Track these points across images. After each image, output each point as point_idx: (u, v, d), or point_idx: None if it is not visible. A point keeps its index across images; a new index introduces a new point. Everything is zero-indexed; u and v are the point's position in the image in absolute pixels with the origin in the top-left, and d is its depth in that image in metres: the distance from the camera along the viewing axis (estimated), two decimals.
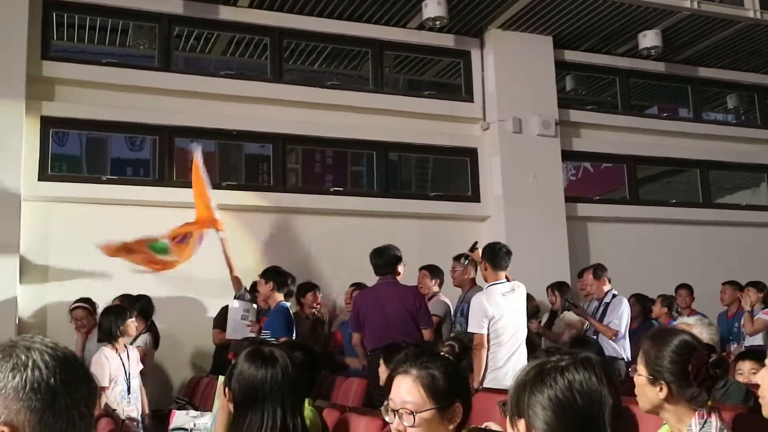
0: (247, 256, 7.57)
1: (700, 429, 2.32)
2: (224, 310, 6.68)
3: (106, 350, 5.11)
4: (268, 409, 2.49)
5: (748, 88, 10.63)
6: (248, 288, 6.79)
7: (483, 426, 2.90)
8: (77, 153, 8.08)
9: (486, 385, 5.01)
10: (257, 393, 2.51)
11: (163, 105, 7.78)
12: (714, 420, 2.32)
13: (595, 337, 6.41)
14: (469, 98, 9.03)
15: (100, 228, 6.86)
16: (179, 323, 7.14)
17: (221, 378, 2.83)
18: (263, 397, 2.50)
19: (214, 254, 6.87)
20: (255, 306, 6.49)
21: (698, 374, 2.33)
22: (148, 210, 7.32)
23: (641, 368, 2.44)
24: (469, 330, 5.41)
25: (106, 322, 5.22)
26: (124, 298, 6.35)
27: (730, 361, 4.96)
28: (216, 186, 7.84)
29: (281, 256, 7.55)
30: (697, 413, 2.35)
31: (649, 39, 8.83)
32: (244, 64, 8.87)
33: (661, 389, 2.37)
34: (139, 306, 6.27)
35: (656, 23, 8.79)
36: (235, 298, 6.66)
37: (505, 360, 5.19)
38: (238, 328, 6.32)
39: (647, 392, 2.41)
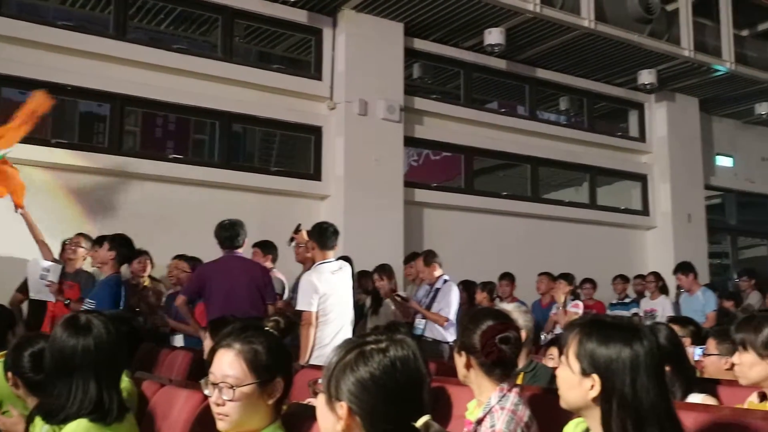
0: (71, 219, 7.20)
1: (498, 401, 2.53)
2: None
3: None
4: (78, 381, 2.40)
5: (579, 93, 11.32)
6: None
7: (305, 402, 2.96)
8: None
9: (312, 362, 5.07)
10: (67, 363, 2.41)
11: None
12: (512, 395, 2.54)
13: (424, 320, 6.65)
14: (318, 76, 9.03)
15: None
16: None
17: None
18: (73, 367, 2.40)
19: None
20: (59, 266, 6.18)
21: (485, 347, 2.55)
22: None
23: (459, 342, 2.70)
24: (298, 307, 5.44)
25: None
26: None
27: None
28: (45, 143, 7.41)
29: (110, 222, 7.25)
30: (498, 388, 2.56)
31: (493, 36, 9.18)
32: (85, 17, 8.40)
33: (463, 359, 2.61)
34: None
35: (501, 22, 9.16)
36: None
37: (332, 337, 5.26)
38: (37, 288, 6.02)
39: (457, 362, 2.66)
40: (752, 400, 2.76)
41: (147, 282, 6.90)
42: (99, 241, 5.88)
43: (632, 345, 1.72)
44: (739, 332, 2.74)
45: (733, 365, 2.76)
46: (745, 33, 12.14)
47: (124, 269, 6.78)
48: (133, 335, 3.48)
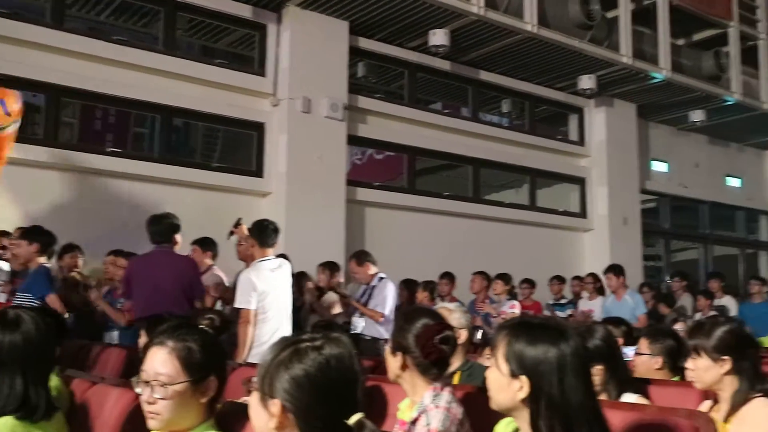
0: (2, 213, 7.00)
1: (432, 400, 2.54)
2: None
3: None
4: (3, 377, 2.35)
5: (521, 96, 11.47)
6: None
7: (240, 400, 2.93)
8: None
9: (250, 360, 5.03)
10: None
11: None
12: (445, 394, 2.55)
13: (363, 319, 6.68)
14: (262, 72, 8.96)
15: None
16: None
17: None
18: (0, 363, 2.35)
19: None
20: (7, 267, 6.02)
21: (425, 347, 2.57)
22: None
23: (390, 341, 2.69)
24: (236, 305, 5.40)
25: None
26: None
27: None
28: None
29: (45, 217, 7.05)
30: (432, 387, 2.57)
31: (438, 37, 9.24)
32: (20, 4, 8.17)
33: (399, 360, 2.60)
34: None
35: (446, 23, 9.22)
36: None
37: (270, 335, 5.21)
38: None
39: (390, 362, 2.65)
40: (706, 405, 2.83)
41: (78, 277, 6.73)
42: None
43: (558, 345, 1.75)
44: (692, 338, 2.82)
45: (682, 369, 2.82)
46: (681, 42, 12.49)
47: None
48: (58, 330, 3.38)
